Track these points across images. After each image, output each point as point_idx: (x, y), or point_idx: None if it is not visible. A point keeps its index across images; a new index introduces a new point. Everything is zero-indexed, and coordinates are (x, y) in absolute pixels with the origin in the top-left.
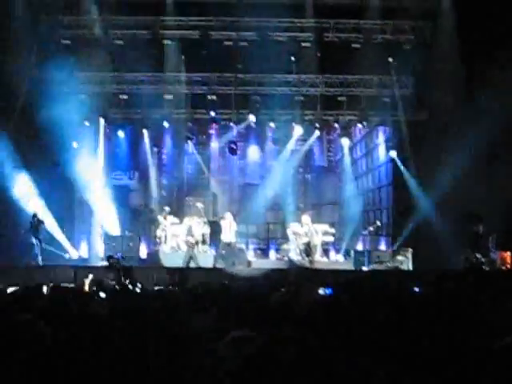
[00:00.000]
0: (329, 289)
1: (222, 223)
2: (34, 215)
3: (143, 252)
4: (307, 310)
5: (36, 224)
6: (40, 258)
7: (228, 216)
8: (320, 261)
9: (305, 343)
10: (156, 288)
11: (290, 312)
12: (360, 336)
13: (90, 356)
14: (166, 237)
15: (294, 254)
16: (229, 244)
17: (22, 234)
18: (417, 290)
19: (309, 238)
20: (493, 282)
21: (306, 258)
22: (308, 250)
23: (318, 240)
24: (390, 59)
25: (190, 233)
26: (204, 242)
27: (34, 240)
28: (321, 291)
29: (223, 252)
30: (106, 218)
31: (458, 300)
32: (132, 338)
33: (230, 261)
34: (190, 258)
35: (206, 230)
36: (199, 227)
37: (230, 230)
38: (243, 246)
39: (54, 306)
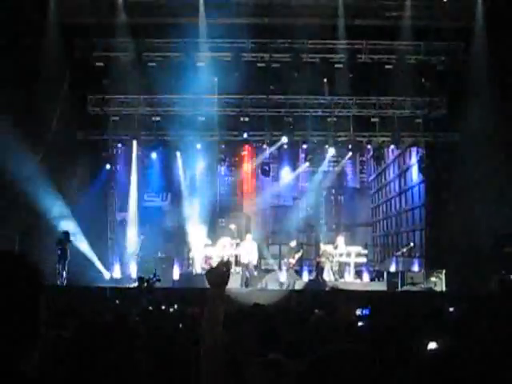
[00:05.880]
0: (366, 309)
1: (244, 245)
2: (65, 233)
3: (176, 273)
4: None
5: (64, 243)
6: (64, 278)
7: (249, 238)
8: (353, 282)
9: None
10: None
11: (330, 333)
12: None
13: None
14: (198, 258)
15: (327, 275)
16: (256, 266)
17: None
18: (451, 309)
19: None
20: None
21: (340, 280)
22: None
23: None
24: (423, 80)
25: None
26: (237, 263)
27: (58, 258)
28: (358, 312)
29: (255, 273)
30: (139, 239)
31: (497, 323)
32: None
33: (259, 282)
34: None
35: (239, 251)
36: (232, 248)
37: (251, 252)
38: (275, 267)
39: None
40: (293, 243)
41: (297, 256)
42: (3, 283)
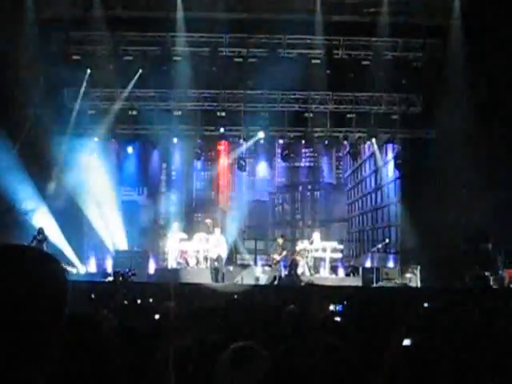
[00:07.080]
0: (339, 306)
1: (212, 239)
2: (40, 231)
3: (151, 268)
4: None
5: (40, 240)
6: None
7: (217, 232)
8: (328, 277)
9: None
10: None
11: (302, 328)
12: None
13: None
14: (174, 252)
15: (302, 270)
16: (229, 259)
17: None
18: (426, 305)
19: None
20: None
21: (315, 275)
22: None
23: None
24: (400, 77)
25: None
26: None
27: None
28: (331, 307)
29: (230, 268)
30: (115, 233)
31: (470, 319)
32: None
33: (235, 277)
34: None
35: (208, 245)
36: (206, 243)
37: (220, 246)
38: (251, 262)
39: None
40: (280, 240)
41: (281, 255)
42: (35, 283)
